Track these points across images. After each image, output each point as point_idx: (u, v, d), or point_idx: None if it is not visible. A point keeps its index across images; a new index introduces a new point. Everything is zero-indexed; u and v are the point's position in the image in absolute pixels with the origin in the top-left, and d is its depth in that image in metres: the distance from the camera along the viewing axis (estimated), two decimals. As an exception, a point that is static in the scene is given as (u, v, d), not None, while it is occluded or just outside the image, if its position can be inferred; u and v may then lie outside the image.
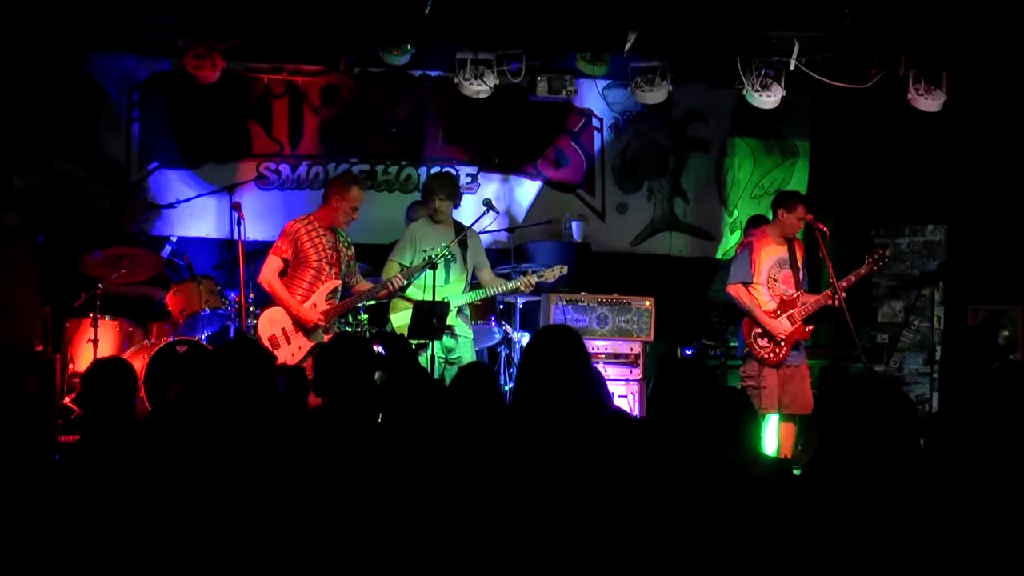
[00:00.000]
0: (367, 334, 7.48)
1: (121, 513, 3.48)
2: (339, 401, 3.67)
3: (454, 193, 7.34)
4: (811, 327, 6.98)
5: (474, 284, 7.32)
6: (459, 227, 7.24)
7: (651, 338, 7.84)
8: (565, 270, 7.18)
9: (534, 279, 7.12)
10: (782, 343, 6.88)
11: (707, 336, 8.45)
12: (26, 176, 8.56)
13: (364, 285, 7.05)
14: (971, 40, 7.91)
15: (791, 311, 6.91)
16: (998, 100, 8.47)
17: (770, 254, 7.01)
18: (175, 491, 3.47)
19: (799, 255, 7.06)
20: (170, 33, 7.89)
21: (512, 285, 7.16)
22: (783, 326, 6.88)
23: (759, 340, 6.94)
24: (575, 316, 7.70)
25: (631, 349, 7.69)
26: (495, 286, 7.21)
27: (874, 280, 8.58)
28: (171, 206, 8.45)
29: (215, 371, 3.84)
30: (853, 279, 6.97)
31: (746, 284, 7.00)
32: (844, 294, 6.85)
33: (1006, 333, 8.19)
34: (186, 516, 3.40)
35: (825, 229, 6.91)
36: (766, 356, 6.90)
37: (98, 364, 4.29)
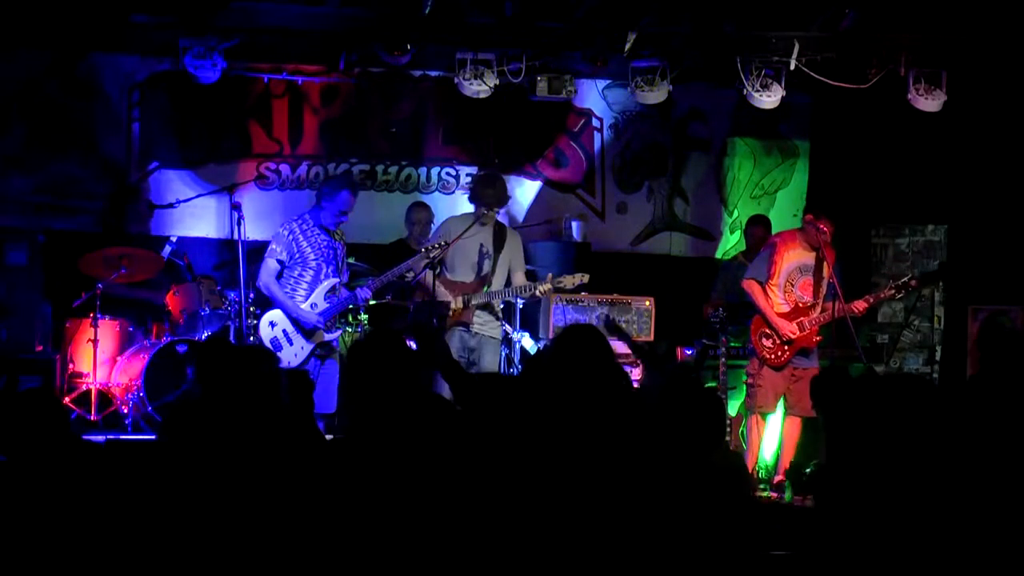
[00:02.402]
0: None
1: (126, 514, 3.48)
2: (374, 400, 3.64)
3: (506, 200, 7.32)
4: (819, 337, 6.96)
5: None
6: (499, 226, 7.20)
7: (651, 338, 7.83)
8: (587, 279, 7.05)
9: (549, 286, 7.02)
10: (786, 346, 6.87)
11: (707, 336, 8.44)
12: (26, 176, 8.56)
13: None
14: (971, 40, 7.91)
15: (802, 319, 6.88)
16: (998, 100, 8.47)
17: (793, 258, 6.97)
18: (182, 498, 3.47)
19: (827, 266, 6.97)
20: (170, 33, 7.88)
21: (529, 291, 7.05)
22: (791, 328, 6.87)
23: (763, 340, 6.94)
24: (575, 316, 7.68)
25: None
26: (511, 291, 7.11)
27: (874, 280, 8.59)
28: (171, 206, 8.44)
29: (223, 373, 3.84)
30: (872, 300, 6.96)
31: (760, 282, 6.99)
32: (850, 307, 6.86)
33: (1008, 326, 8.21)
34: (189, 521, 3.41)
35: (826, 229, 6.90)
36: (768, 356, 6.90)
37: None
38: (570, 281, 7.03)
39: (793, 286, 6.96)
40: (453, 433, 3.62)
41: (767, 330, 6.92)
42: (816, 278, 6.94)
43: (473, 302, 6.93)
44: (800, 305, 6.93)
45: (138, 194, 8.70)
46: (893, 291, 7.01)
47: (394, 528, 3.28)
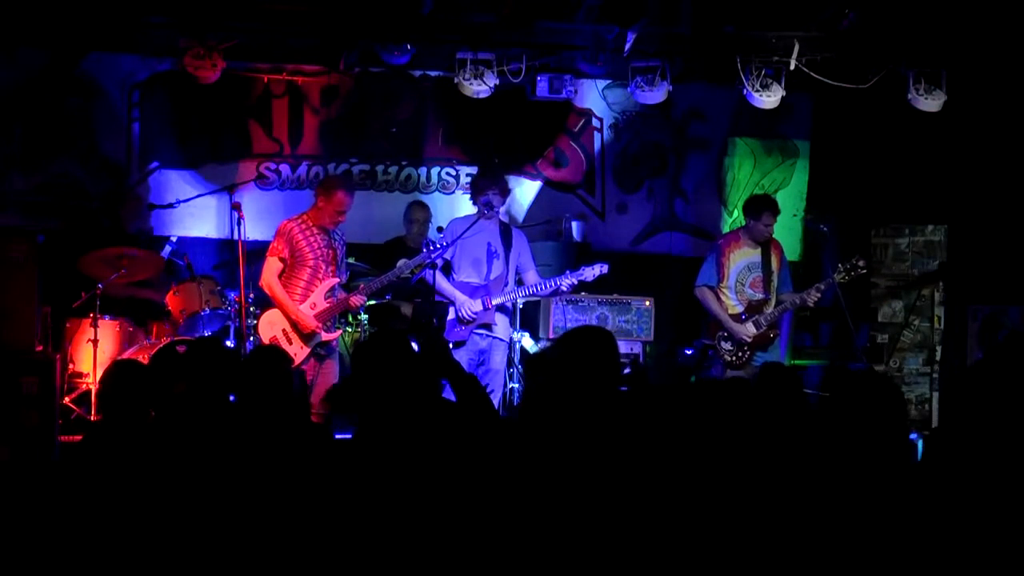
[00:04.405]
0: (367, 334, 7.49)
1: (132, 511, 3.48)
2: (377, 400, 3.65)
3: (508, 191, 7.29)
4: (775, 333, 6.97)
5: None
6: (504, 225, 7.18)
7: (651, 338, 7.83)
8: (606, 268, 7.03)
9: (574, 278, 6.99)
10: (745, 347, 6.88)
11: (707, 336, 8.45)
12: (26, 176, 8.56)
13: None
14: (971, 40, 7.91)
15: (757, 316, 6.91)
16: (998, 100, 8.47)
17: (740, 257, 7.01)
18: (190, 490, 3.48)
19: (775, 258, 7.02)
20: (170, 33, 7.89)
21: (553, 284, 7.01)
22: (747, 330, 6.88)
23: (723, 343, 6.96)
24: (575, 316, 7.69)
25: (631, 349, 7.68)
26: (534, 286, 7.09)
27: (874, 280, 8.59)
28: (171, 206, 8.44)
29: (240, 373, 3.87)
30: (823, 287, 6.90)
31: (711, 287, 7.02)
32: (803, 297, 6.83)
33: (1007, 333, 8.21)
34: (200, 514, 3.41)
35: (825, 229, 6.91)
36: (730, 359, 6.91)
37: (114, 367, 4.30)
38: (590, 272, 6.99)
39: (744, 285, 7.00)
40: (456, 433, 3.63)
41: (724, 333, 6.94)
42: (765, 273, 6.97)
43: (493, 302, 6.92)
44: (752, 303, 6.96)
45: (137, 194, 8.70)
46: (844, 275, 6.92)
47: (400, 527, 3.29)
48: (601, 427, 3.49)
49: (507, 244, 7.07)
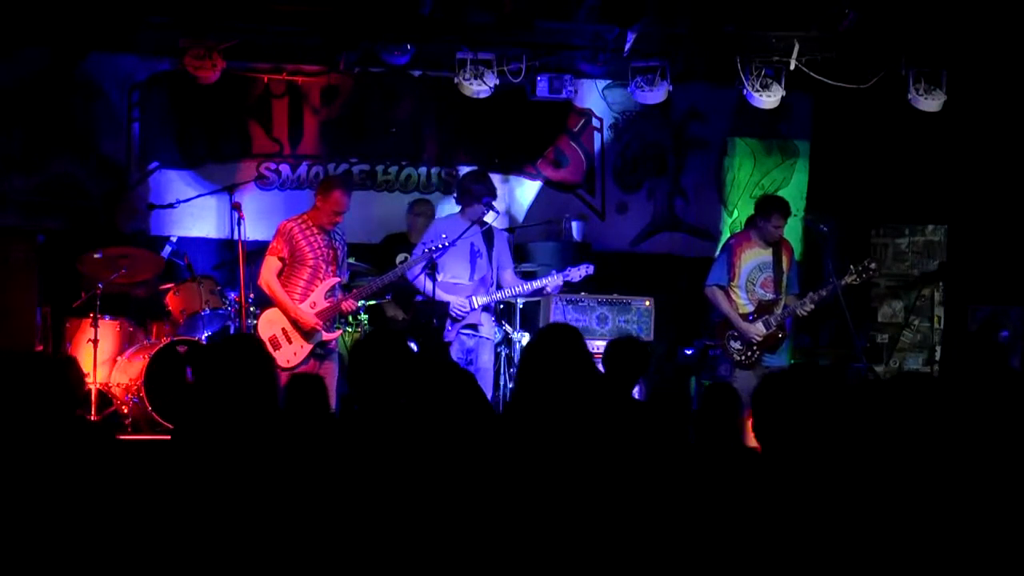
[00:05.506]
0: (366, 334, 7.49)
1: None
2: (374, 398, 3.65)
3: (496, 191, 7.33)
4: (784, 334, 6.99)
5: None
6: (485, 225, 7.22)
7: (651, 338, 7.83)
8: (592, 269, 7.10)
9: (560, 279, 7.03)
10: (755, 347, 6.90)
11: (707, 336, 8.46)
12: (26, 176, 8.55)
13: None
14: (971, 40, 7.91)
15: (767, 316, 6.93)
16: (998, 100, 8.48)
17: (751, 257, 7.04)
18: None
19: (785, 259, 7.05)
20: (170, 33, 7.88)
21: (537, 284, 7.07)
22: (757, 330, 6.90)
23: (732, 343, 6.98)
24: (575, 316, 7.69)
25: (631, 349, 7.67)
26: (517, 286, 7.15)
27: (874, 280, 8.59)
28: (171, 206, 8.44)
29: (216, 369, 3.84)
30: (826, 292, 6.94)
31: (722, 286, 7.04)
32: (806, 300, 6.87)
33: (1007, 333, 8.21)
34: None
35: (825, 229, 6.92)
36: (739, 359, 6.93)
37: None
38: (576, 273, 7.04)
39: (755, 285, 7.03)
40: (453, 432, 3.63)
41: (734, 332, 6.96)
42: (776, 273, 7.01)
43: (479, 301, 6.95)
44: (763, 303, 6.98)
45: (138, 194, 8.70)
46: (855, 276, 6.96)
47: (398, 526, 3.29)
48: (584, 426, 3.50)
49: (489, 244, 7.13)
